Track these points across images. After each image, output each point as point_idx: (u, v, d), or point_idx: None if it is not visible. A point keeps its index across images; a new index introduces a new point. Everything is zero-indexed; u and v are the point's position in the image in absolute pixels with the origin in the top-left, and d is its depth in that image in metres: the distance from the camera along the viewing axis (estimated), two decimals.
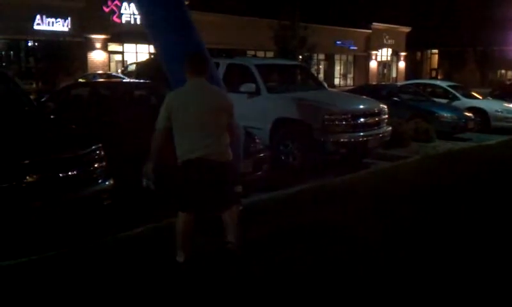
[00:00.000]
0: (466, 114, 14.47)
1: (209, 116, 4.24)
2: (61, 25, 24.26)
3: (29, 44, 24.77)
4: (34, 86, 22.32)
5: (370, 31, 41.58)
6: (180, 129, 4.23)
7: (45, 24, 23.72)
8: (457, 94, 16.44)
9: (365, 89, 16.27)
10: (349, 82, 40.85)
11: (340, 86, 37.20)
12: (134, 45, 27.51)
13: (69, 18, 24.40)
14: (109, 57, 27.21)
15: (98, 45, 25.77)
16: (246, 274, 4.31)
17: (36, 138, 5.55)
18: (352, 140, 9.10)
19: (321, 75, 35.98)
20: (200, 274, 4.29)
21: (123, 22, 26.15)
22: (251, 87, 9.48)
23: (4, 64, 23.99)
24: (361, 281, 4.21)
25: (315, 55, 30.93)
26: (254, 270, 4.37)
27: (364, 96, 11.21)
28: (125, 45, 27.70)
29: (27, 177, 4.87)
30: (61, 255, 4.64)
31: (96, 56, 25.88)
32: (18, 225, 4.87)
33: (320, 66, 38.32)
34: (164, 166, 4.49)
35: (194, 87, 4.30)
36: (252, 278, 4.23)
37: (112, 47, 27.31)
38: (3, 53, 24.60)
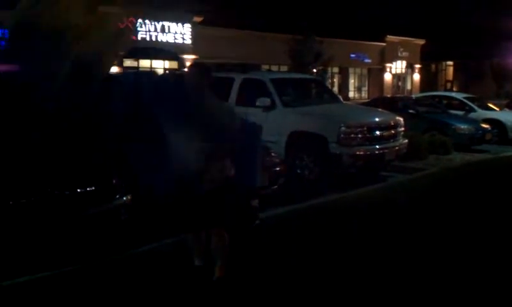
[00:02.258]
0: (483, 125, 14.36)
1: None
2: None
3: None
4: None
5: (384, 43, 41.48)
6: None
7: None
8: (474, 106, 16.33)
9: (380, 101, 16.24)
10: (364, 95, 40.72)
11: (354, 99, 37.08)
12: (149, 61, 27.73)
13: None
14: None
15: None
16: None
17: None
18: (369, 153, 9.07)
19: (335, 89, 35.91)
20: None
21: (139, 38, 26.39)
22: (266, 101, 9.51)
23: None
24: (376, 293, 4.17)
25: (330, 68, 30.92)
26: (270, 281, 4.36)
27: (380, 109, 11.18)
28: (140, 61, 27.92)
29: (49, 191, 4.92)
30: (84, 269, 4.66)
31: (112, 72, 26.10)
32: (43, 239, 4.88)
33: (335, 80, 38.28)
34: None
35: None
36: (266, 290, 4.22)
37: (128, 63, 27.54)
38: None
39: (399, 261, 4.91)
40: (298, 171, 9.17)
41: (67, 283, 4.42)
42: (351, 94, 40.09)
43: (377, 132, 9.30)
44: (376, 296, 4.16)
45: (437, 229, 5.86)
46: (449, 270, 4.67)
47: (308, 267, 4.77)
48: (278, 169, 7.62)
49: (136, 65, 27.98)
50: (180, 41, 26.98)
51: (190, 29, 27.35)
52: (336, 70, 37.62)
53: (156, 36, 26.48)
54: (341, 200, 7.48)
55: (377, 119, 9.67)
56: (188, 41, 26.95)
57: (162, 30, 26.66)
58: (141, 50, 26.13)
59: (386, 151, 9.32)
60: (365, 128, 9.09)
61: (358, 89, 41.69)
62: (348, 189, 8.14)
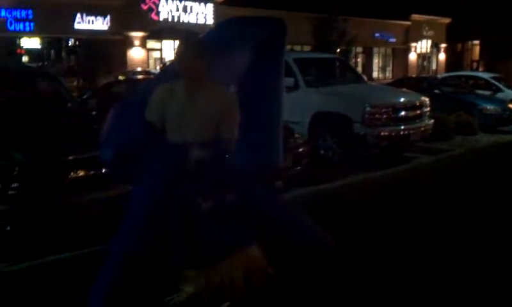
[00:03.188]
0: (511, 106, 14.05)
1: None
2: (100, 24, 24.63)
3: (70, 42, 25.26)
4: (75, 83, 22.77)
5: (409, 22, 40.81)
6: None
7: (85, 23, 24.11)
8: (501, 86, 16.02)
9: (404, 82, 16.01)
10: (388, 75, 40.22)
11: (378, 79, 36.67)
12: (172, 41, 27.74)
13: (108, 16, 24.74)
14: (148, 54, 27.50)
15: (136, 42, 26.07)
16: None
17: (78, 135, 5.63)
18: (393, 133, 8.96)
19: (359, 68, 35.53)
20: None
21: (161, 19, 26.38)
22: (289, 81, 9.41)
23: (46, 62, 24.53)
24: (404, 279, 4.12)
25: (353, 48, 30.59)
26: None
27: (404, 89, 11.02)
28: (163, 42, 27.95)
29: (70, 174, 4.93)
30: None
31: (135, 53, 26.19)
32: (60, 222, 4.91)
33: (358, 59, 37.86)
34: None
35: None
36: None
37: (151, 44, 27.58)
38: (44, 52, 25.13)
39: (423, 244, 4.84)
40: (321, 152, 9.10)
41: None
42: (375, 74, 39.66)
43: (403, 113, 9.18)
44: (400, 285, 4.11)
45: (463, 213, 5.75)
46: (480, 257, 4.59)
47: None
48: (301, 150, 7.56)
49: (159, 46, 28.05)
50: (202, 21, 26.92)
51: (212, 9, 27.26)
52: (360, 49, 37.19)
53: (178, 17, 26.46)
54: (365, 181, 7.39)
55: (402, 100, 9.53)
56: (210, 21, 26.85)
57: (185, 10, 26.63)
58: (163, 31, 26.16)
59: (411, 131, 9.20)
60: (390, 109, 8.97)
61: (382, 69, 41.20)
62: (372, 170, 8.06)
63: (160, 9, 26.33)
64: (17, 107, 6.24)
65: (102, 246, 3.93)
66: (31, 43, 24.02)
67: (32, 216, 4.75)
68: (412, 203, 6.10)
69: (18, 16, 21.78)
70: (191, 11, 26.78)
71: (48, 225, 4.81)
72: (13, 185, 4.71)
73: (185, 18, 26.54)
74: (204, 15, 27.09)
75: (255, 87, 4.79)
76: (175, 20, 26.26)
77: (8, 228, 4.67)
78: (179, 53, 3.29)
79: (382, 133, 8.79)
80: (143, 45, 26.63)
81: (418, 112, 9.51)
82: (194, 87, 3.27)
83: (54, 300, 3.82)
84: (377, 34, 38.29)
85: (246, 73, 4.85)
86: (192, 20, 26.77)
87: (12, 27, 21.80)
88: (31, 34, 22.92)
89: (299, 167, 7.37)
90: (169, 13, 26.49)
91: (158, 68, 26.14)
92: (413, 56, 42.39)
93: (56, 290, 3.96)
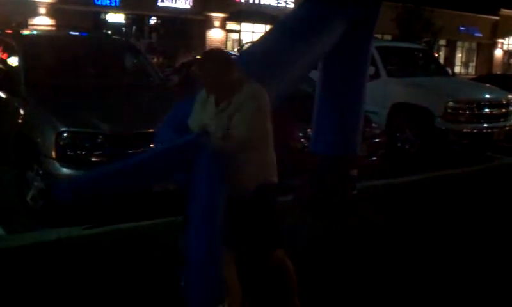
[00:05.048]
0: None
1: None
2: (183, 3, 25.02)
3: (152, 20, 25.84)
4: (155, 60, 23.31)
5: (497, 17, 38.96)
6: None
7: (168, 1, 24.58)
8: None
9: (489, 78, 15.26)
10: (471, 70, 38.64)
11: (460, 74, 35.27)
12: (251, 24, 27.81)
13: None
14: (227, 35, 27.73)
15: (216, 23, 26.31)
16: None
17: (159, 109, 5.75)
18: (476, 131, 8.61)
19: (441, 62, 34.32)
20: None
21: (242, 1, 26.48)
22: (370, 69, 9.17)
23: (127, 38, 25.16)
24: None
25: (437, 40, 29.55)
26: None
27: (490, 85, 10.54)
28: (242, 24, 28.07)
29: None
30: None
31: (215, 34, 26.46)
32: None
33: (441, 53, 36.56)
34: None
35: None
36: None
37: (230, 25, 27.77)
38: (127, 28, 25.79)
39: (497, 248, 4.63)
40: (398, 144, 8.87)
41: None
42: (457, 69, 38.17)
43: (487, 110, 8.81)
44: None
45: None
46: None
47: (402, 239, 4.61)
48: (377, 140, 7.40)
49: (238, 28, 28.22)
50: (283, 4, 26.80)
51: None
52: (443, 42, 35.89)
53: None
54: (441, 177, 7.16)
55: (487, 96, 9.15)
56: (291, 5, 26.69)
57: None
58: (243, 13, 26.28)
59: (495, 130, 8.81)
60: (474, 105, 8.63)
61: (465, 64, 39.63)
62: (450, 167, 7.79)
63: None
64: (104, 79, 6.45)
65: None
66: (115, 18, 24.74)
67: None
68: (491, 206, 5.84)
69: None
70: None
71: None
72: (96, 152, 4.89)
73: (266, 1, 26.50)
74: None
75: (341, 68, 4.66)
76: (256, 1, 26.28)
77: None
78: (202, 69, 2.93)
79: (464, 130, 8.47)
80: (223, 26, 26.85)
81: (504, 110, 9.09)
82: (223, 98, 2.92)
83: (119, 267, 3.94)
84: (462, 28, 36.78)
85: (333, 54, 4.72)
86: (273, 3, 26.70)
87: (99, 2, 22.55)
88: (116, 9, 23.62)
89: (374, 158, 7.22)
90: None
91: (235, 49, 26.32)
92: (498, 53, 40.48)
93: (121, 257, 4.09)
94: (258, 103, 2.88)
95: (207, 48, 24.91)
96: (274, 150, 3.08)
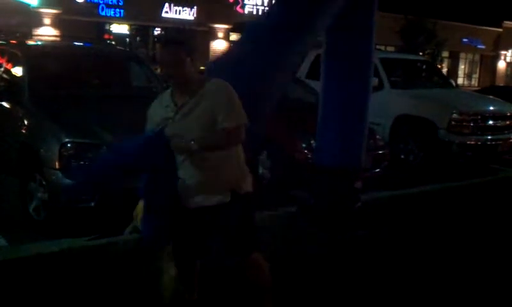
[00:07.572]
0: None
1: None
2: (187, 14, 25.13)
3: (156, 31, 25.94)
4: (158, 71, 23.33)
5: (500, 29, 39.02)
6: None
7: (172, 12, 24.68)
8: None
9: (492, 90, 15.25)
10: (473, 82, 38.65)
11: (463, 86, 35.28)
12: None
13: (195, 7, 25.20)
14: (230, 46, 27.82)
15: (220, 34, 26.39)
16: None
17: None
18: (480, 143, 8.59)
19: (444, 73, 34.31)
20: None
21: (246, 12, 26.57)
22: (373, 81, 9.18)
23: (130, 49, 25.25)
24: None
25: (439, 52, 29.59)
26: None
27: (493, 97, 10.53)
28: None
29: None
30: None
31: (218, 45, 26.52)
32: None
33: (444, 64, 36.58)
34: None
35: None
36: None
37: (234, 37, 27.87)
38: (128, 39, 25.84)
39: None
40: (402, 156, 8.85)
41: None
42: (460, 81, 38.17)
43: (491, 122, 8.80)
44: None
45: None
46: None
47: (406, 251, 4.57)
48: (381, 152, 7.39)
49: None
50: None
51: None
52: (446, 54, 35.92)
53: (263, 10, 26.54)
54: (444, 190, 7.12)
55: (492, 108, 9.14)
56: None
57: (270, 3, 26.67)
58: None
59: (499, 142, 8.80)
60: (479, 117, 8.63)
61: (468, 76, 39.64)
62: (453, 180, 7.75)
63: (245, 2, 26.53)
64: (108, 89, 6.46)
65: None
66: (119, 29, 24.83)
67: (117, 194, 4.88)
68: (496, 218, 5.80)
69: (110, 2, 22.59)
70: None
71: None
72: None
73: None
74: None
75: (344, 79, 4.60)
76: (260, 13, 26.38)
77: (92, 204, 4.83)
78: (160, 56, 3.01)
79: (468, 142, 8.46)
80: (226, 37, 26.93)
81: (508, 122, 9.08)
82: (181, 92, 2.98)
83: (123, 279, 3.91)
84: (465, 40, 36.84)
85: (334, 64, 4.69)
86: None
87: (103, 13, 22.65)
88: (120, 20, 23.72)
89: (378, 170, 7.20)
90: (254, 6, 26.64)
91: None
92: (502, 64, 40.51)
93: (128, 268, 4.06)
94: (230, 89, 2.93)
95: (211, 58, 25.00)
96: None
